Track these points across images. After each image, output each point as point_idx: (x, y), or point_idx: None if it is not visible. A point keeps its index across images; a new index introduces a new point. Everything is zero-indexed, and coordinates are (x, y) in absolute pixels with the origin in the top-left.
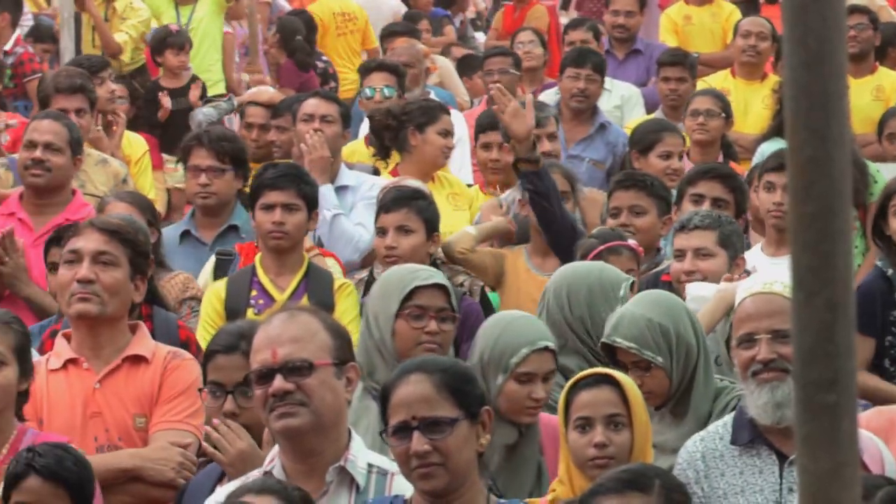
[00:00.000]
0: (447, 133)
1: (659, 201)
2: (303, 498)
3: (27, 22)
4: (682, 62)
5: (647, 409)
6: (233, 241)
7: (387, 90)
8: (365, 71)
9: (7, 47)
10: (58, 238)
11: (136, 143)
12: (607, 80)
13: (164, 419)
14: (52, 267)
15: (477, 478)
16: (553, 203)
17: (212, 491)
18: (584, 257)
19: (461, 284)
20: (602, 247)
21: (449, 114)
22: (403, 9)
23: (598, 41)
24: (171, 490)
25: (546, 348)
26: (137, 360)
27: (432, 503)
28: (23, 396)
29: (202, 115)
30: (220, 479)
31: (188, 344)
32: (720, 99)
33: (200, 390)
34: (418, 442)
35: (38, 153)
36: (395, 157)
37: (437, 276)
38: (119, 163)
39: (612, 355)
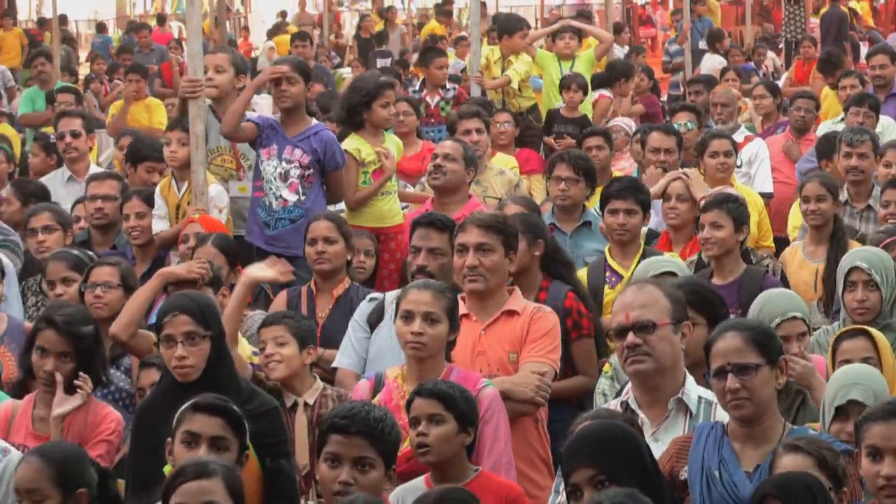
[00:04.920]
0: (716, 154)
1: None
2: (628, 420)
3: None
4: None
5: None
6: (586, 234)
7: (689, 124)
8: (672, 111)
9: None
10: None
11: (505, 161)
12: None
13: (530, 354)
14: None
15: (776, 409)
16: None
17: None
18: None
19: (767, 266)
20: (889, 239)
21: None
22: (724, 63)
23: (864, 86)
24: (532, 406)
25: (794, 317)
26: (511, 313)
27: (743, 427)
28: (451, 345)
29: None
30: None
31: (571, 310)
32: None
33: None
34: (731, 381)
35: (438, 161)
36: None
37: (669, 266)
38: (513, 173)
39: None
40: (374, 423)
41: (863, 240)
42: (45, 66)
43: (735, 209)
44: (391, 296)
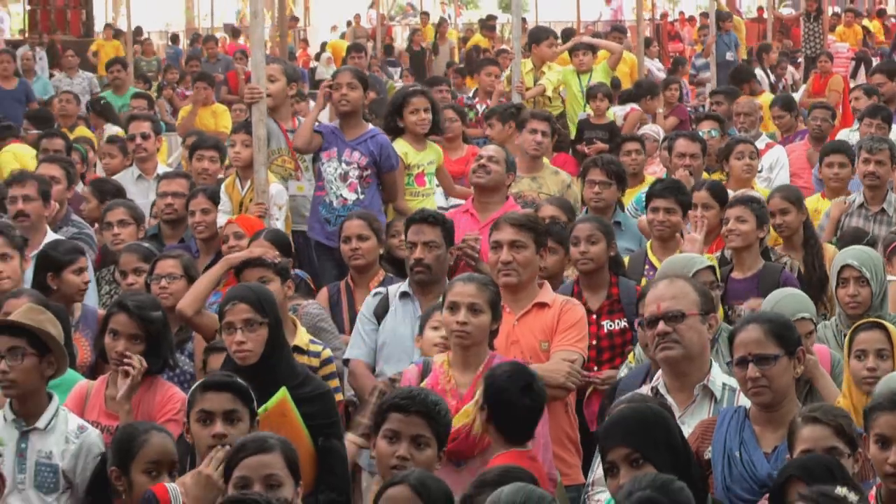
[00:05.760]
0: (742, 155)
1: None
2: (662, 405)
3: None
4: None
5: None
6: (616, 233)
7: (713, 131)
8: (697, 120)
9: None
10: None
11: None
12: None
13: (560, 343)
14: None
15: (794, 395)
16: None
17: (641, 385)
18: (886, 248)
19: (785, 263)
20: None
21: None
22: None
23: (870, 97)
24: (563, 391)
25: (803, 318)
26: (542, 305)
27: (763, 412)
28: (493, 334)
29: None
30: (645, 378)
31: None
32: None
33: None
34: (752, 370)
35: (483, 161)
36: None
37: (707, 262)
38: (566, 174)
39: None
40: (432, 405)
41: (870, 242)
42: (121, 73)
43: (758, 208)
44: (393, 289)
